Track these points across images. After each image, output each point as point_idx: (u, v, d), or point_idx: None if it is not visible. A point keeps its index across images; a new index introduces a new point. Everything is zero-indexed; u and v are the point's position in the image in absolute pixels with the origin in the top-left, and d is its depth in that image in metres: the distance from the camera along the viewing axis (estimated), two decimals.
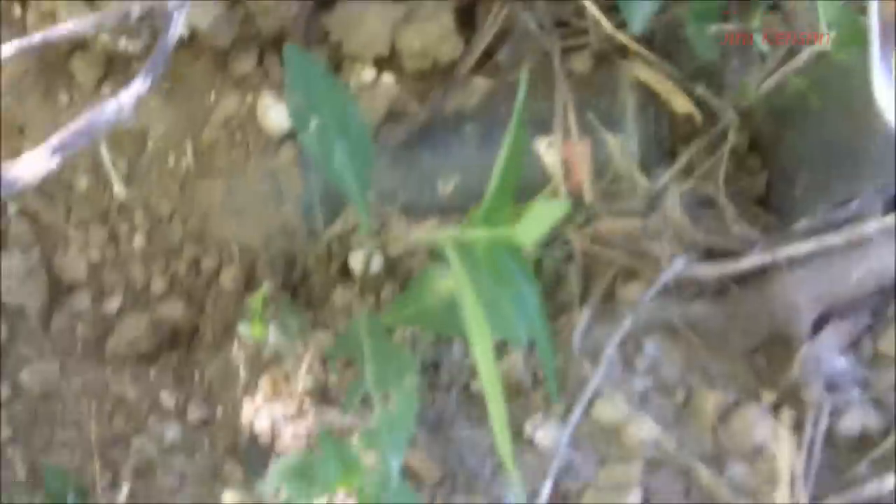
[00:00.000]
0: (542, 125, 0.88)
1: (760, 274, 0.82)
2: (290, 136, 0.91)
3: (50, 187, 0.95)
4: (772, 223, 0.87)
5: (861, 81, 0.68)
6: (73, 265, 0.94)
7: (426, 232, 0.79)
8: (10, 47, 0.74)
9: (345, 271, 0.89)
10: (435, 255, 0.78)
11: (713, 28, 0.91)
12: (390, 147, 0.89)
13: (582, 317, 0.83)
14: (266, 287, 0.85)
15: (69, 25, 0.76)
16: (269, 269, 0.93)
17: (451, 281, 0.75)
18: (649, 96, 0.90)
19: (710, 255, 0.84)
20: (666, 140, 0.89)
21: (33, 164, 0.64)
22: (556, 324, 0.85)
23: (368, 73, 0.93)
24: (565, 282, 0.86)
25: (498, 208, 0.66)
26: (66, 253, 0.94)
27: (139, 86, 0.71)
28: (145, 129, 0.92)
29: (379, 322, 0.77)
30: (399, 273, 0.87)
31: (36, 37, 0.75)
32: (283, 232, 0.91)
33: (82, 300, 0.94)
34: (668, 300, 0.83)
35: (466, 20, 0.97)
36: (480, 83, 0.94)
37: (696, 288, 0.83)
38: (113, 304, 0.94)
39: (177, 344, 0.94)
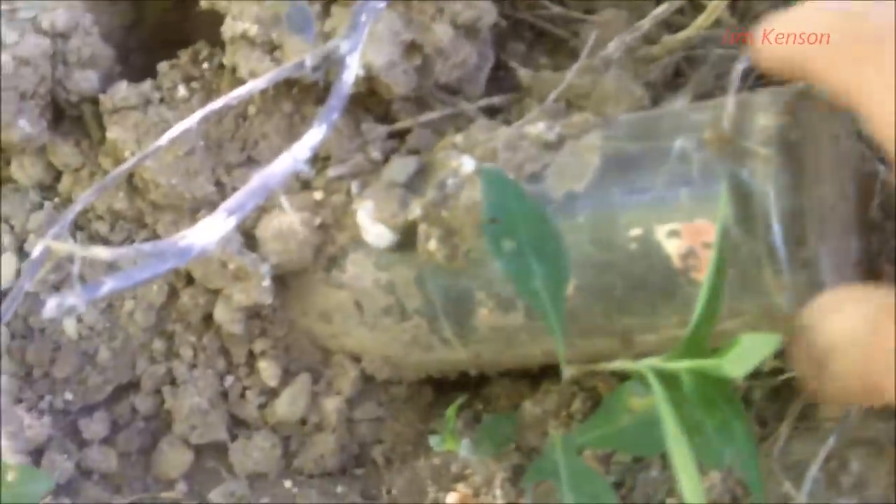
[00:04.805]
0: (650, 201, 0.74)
1: None
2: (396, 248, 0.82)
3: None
4: None
5: None
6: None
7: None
8: (198, 114, 0.74)
9: (533, 382, 0.89)
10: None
11: None
12: None
13: (781, 433, 0.81)
14: (460, 399, 0.84)
15: (247, 86, 0.76)
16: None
17: (646, 400, 0.73)
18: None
19: None
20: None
21: (209, 229, 0.62)
22: None
23: None
24: (755, 396, 0.84)
25: (701, 338, 0.65)
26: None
27: (314, 135, 0.68)
28: None
29: (574, 444, 0.76)
30: (589, 384, 0.86)
31: (218, 102, 0.76)
32: (416, 344, 0.85)
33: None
34: (871, 415, 0.80)
35: None
36: None
37: None
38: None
39: (364, 461, 0.93)
